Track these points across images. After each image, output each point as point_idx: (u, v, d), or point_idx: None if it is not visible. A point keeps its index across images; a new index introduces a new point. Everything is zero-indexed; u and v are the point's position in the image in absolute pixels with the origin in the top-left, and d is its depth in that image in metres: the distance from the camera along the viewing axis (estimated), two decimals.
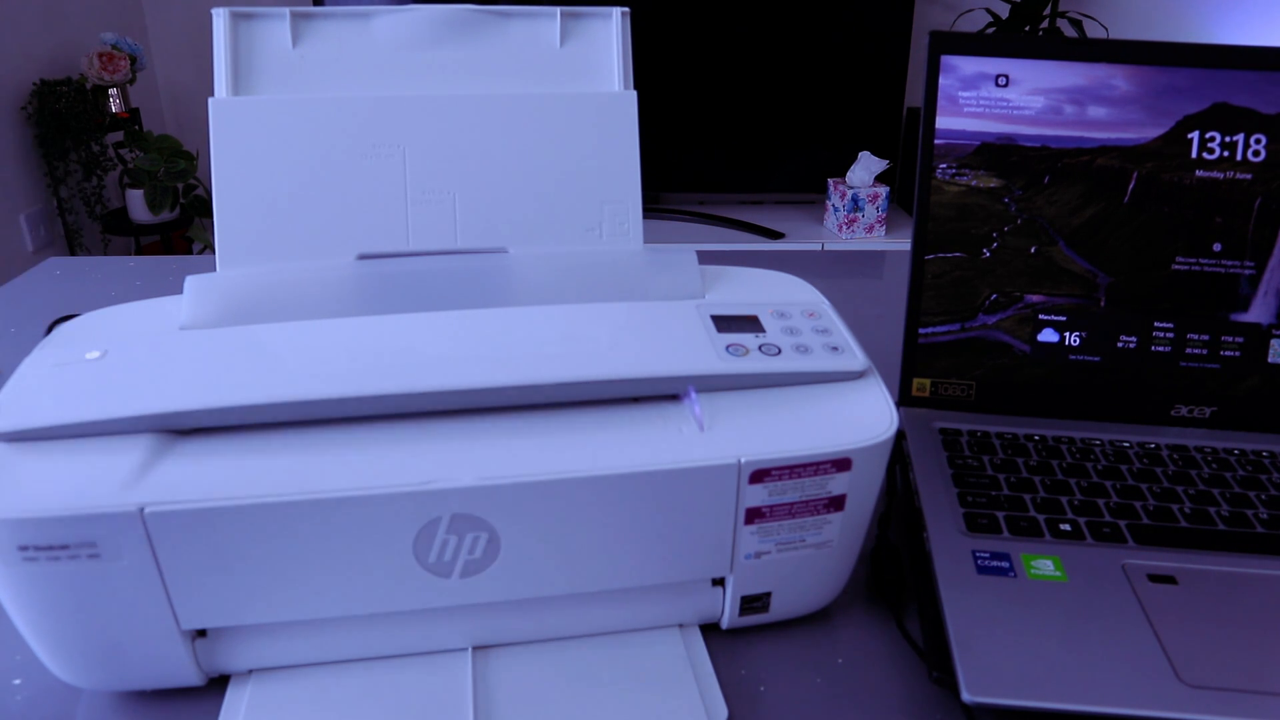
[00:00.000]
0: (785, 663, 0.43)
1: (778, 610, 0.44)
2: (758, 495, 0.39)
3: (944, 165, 0.56)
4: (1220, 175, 0.55)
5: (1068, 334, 0.57)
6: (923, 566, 0.46)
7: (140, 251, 2.32)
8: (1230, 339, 0.56)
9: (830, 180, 2.20)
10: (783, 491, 0.39)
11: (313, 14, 0.49)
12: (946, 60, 0.55)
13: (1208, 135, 0.55)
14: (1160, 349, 0.57)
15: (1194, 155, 0.55)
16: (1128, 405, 0.57)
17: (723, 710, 0.40)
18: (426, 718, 0.39)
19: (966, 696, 0.37)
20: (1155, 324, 0.56)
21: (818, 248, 2.08)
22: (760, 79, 2.21)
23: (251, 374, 0.38)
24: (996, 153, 0.56)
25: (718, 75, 2.20)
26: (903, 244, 2.08)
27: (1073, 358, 0.57)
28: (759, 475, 0.38)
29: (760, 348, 0.43)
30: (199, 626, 0.38)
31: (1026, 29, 2.25)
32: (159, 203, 2.09)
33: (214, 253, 0.47)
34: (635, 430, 0.39)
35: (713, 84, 2.21)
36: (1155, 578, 0.43)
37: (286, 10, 0.49)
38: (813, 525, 0.41)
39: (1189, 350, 0.56)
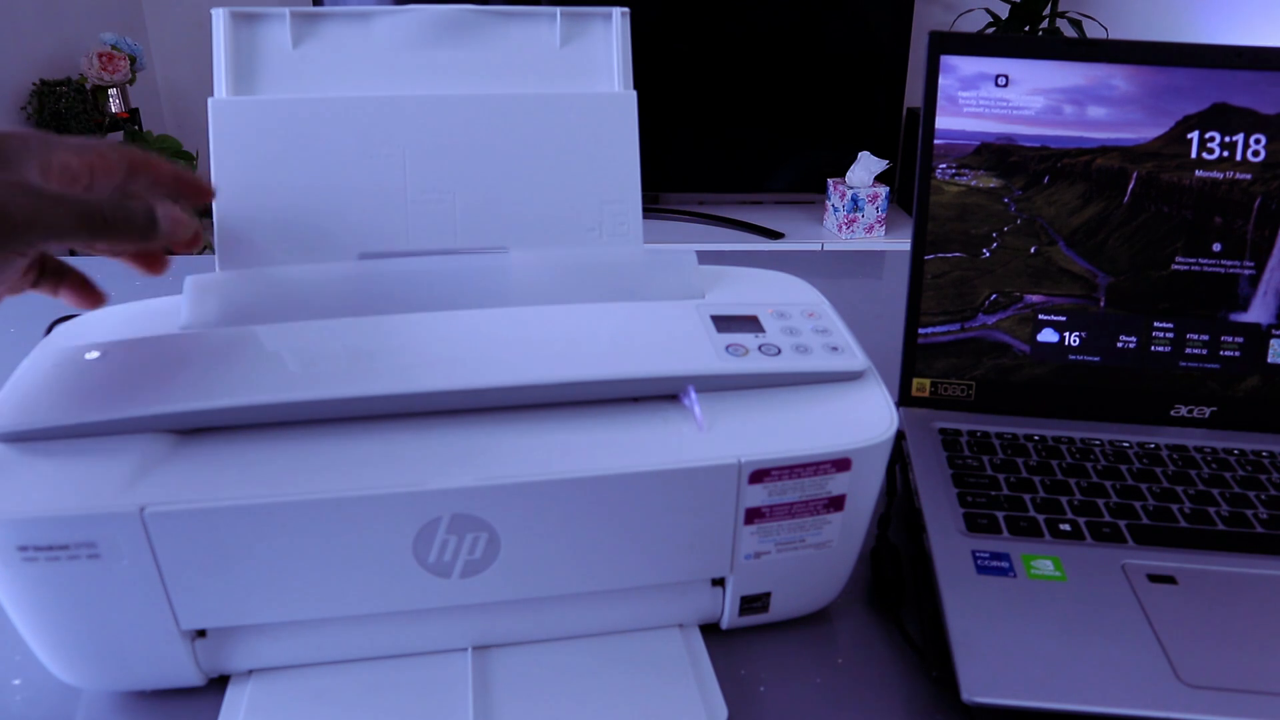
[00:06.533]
0: (785, 663, 0.43)
1: (777, 610, 0.44)
2: (757, 495, 0.39)
3: (944, 165, 0.56)
4: (1220, 175, 0.55)
5: (1068, 334, 0.57)
6: (923, 566, 0.46)
7: None
8: (1230, 339, 0.56)
9: (830, 180, 2.20)
10: (782, 491, 0.39)
11: (313, 14, 0.49)
12: (946, 60, 0.55)
13: (1207, 135, 0.55)
14: (1160, 349, 0.57)
15: (1194, 155, 0.55)
16: (1127, 405, 0.57)
17: (723, 710, 0.39)
18: (426, 718, 0.39)
19: (966, 696, 0.37)
20: (1155, 324, 0.56)
21: (817, 248, 2.08)
22: (760, 79, 2.21)
23: (252, 374, 0.38)
24: (996, 153, 0.56)
25: (717, 75, 2.20)
26: (903, 244, 2.08)
27: (1073, 358, 0.57)
28: (759, 475, 0.38)
29: (760, 348, 0.43)
30: (199, 627, 0.38)
31: (1026, 29, 2.25)
32: None
33: (214, 253, 0.47)
34: (635, 430, 0.39)
35: (713, 84, 2.21)
36: (1155, 578, 0.43)
37: (286, 10, 0.49)
38: (812, 525, 0.41)
39: (1189, 350, 0.56)
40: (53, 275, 0.43)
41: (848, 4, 2.16)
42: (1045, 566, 0.44)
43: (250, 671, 0.40)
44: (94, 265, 0.93)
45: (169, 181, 0.42)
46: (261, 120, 0.47)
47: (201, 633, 0.39)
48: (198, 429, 0.38)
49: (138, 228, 0.36)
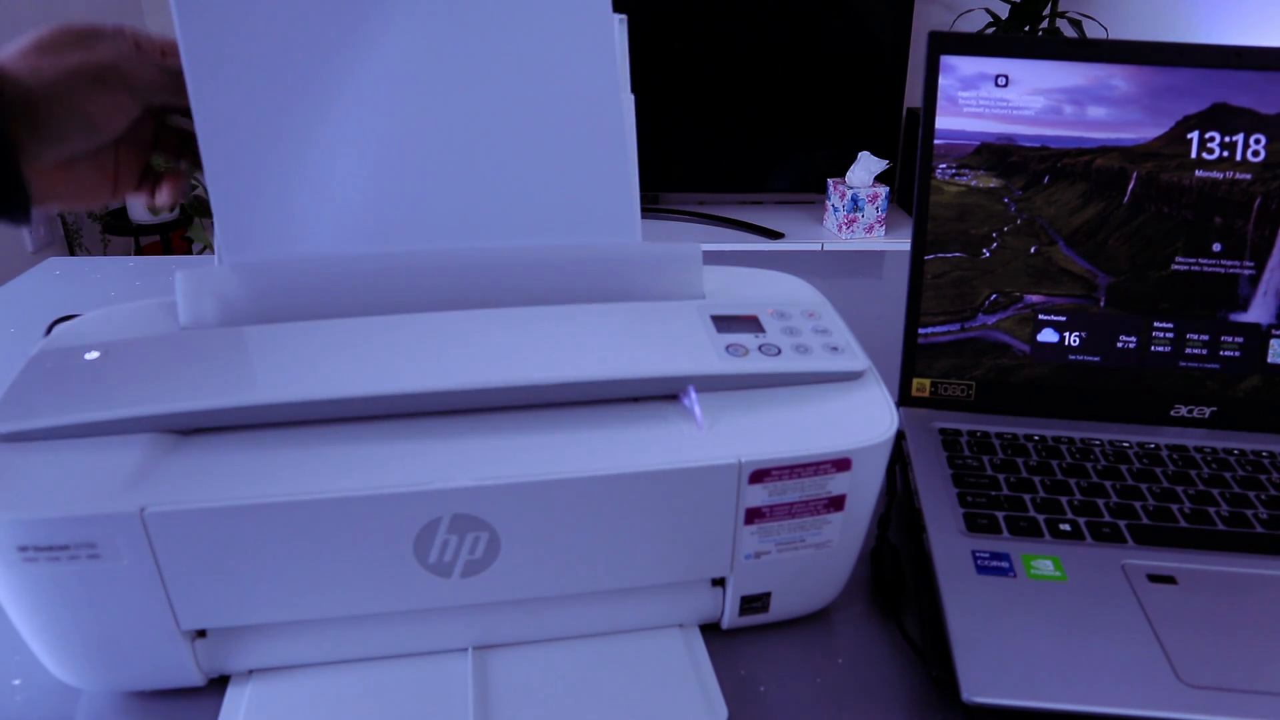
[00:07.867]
0: (785, 663, 0.43)
1: (778, 610, 0.44)
2: (758, 495, 0.39)
3: (944, 165, 0.56)
4: (1220, 175, 0.55)
5: (1068, 334, 0.57)
6: (923, 566, 0.46)
7: (140, 252, 2.32)
8: (1230, 339, 0.56)
9: (830, 180, 2.20)
10: (783, 491, 0.39)
11: None
12: (946, 60, 0.55)
13: (1207, 135, 0.55)
14: (1160, 349, 0.57)
15: (1194, 155, 0.55)
16: (1127, 405, 0.57)
17: (723, 710, 0.40)
18: (426, 718, 0.39)
19: (966, 696, 0.37)
20: (1155, 324, 0.57)
21: (817, 248, 2.08)
22: (760, 79, 2.21)
23: (251, 374, 0.38)
24: (996, 153, 0.56)
25: (717, 75, 2.20)
26: (903, 244, 2.08)
27: (1073, 358, 0.57)
28: (759, 475, 0.38)
29: (760, 348, 0.43)
30: (199, 627, 0.38)
31: (1026, 29, 2.25)
32: None
33: (214, 253, 0.47)
34: (635, 430, 0.39)
35: (712, 84, 2.21)
36: (1155, 578, 0.43)
37: None
38: (813, 525, 0.41)
39: (1189, 350, 0.56)
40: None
41: (848, 4, 2.16)
42: (1045, 566, 0.44)
43: (250, 671, 0.40)
44: (96, 264, 0.93)
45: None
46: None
47: (201, 633, 0.39)
48: (198, 429, 0.38)
49: None
